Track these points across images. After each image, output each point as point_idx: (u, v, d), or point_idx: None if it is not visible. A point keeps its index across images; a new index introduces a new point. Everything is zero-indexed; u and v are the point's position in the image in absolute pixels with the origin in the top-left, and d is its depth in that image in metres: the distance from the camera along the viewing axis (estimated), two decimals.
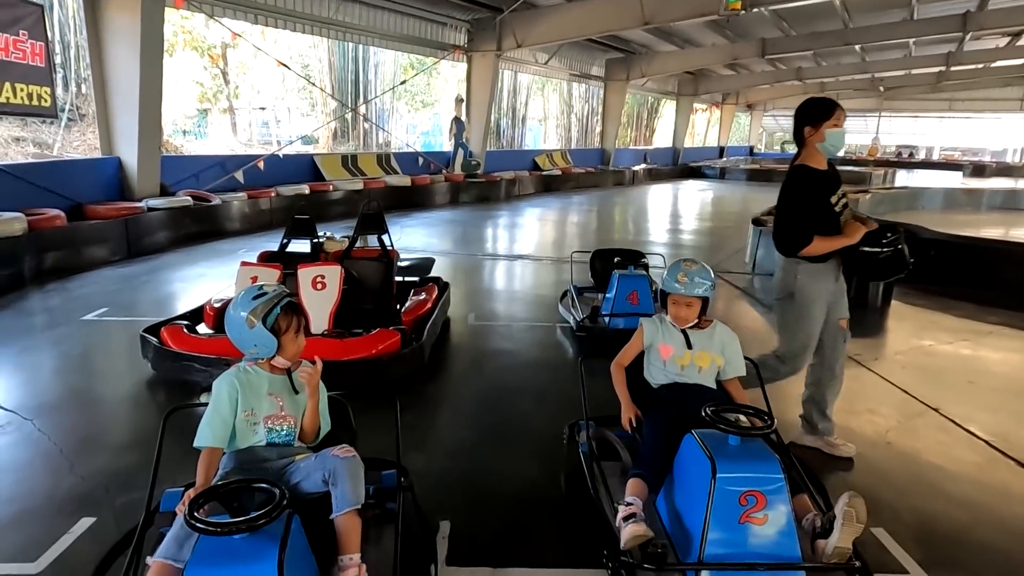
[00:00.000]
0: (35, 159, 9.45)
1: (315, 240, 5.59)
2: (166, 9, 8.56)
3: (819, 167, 3.09)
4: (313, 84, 15.29)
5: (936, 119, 37.78)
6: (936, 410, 3.95)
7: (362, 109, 15.37)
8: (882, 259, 3.05)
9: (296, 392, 2.20)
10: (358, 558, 1.94)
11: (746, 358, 2.78)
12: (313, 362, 2.21)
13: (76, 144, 10.65)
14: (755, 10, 12.95)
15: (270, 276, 4.63)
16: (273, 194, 10.71)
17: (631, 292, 5.04)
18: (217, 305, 4.66)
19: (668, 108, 27.85)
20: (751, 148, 37.03)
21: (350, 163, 13.28)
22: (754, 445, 2.14)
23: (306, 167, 12.39)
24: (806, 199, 3.05)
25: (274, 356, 2.16)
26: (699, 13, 12.38)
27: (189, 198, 9.13)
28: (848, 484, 3.06)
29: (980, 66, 22.32)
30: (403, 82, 16.47)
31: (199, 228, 9.16)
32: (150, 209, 8.46)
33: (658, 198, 18.02)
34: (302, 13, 11.52)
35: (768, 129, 42.87)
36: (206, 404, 2.11)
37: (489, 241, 10.53)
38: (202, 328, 4.57)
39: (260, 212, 10.39)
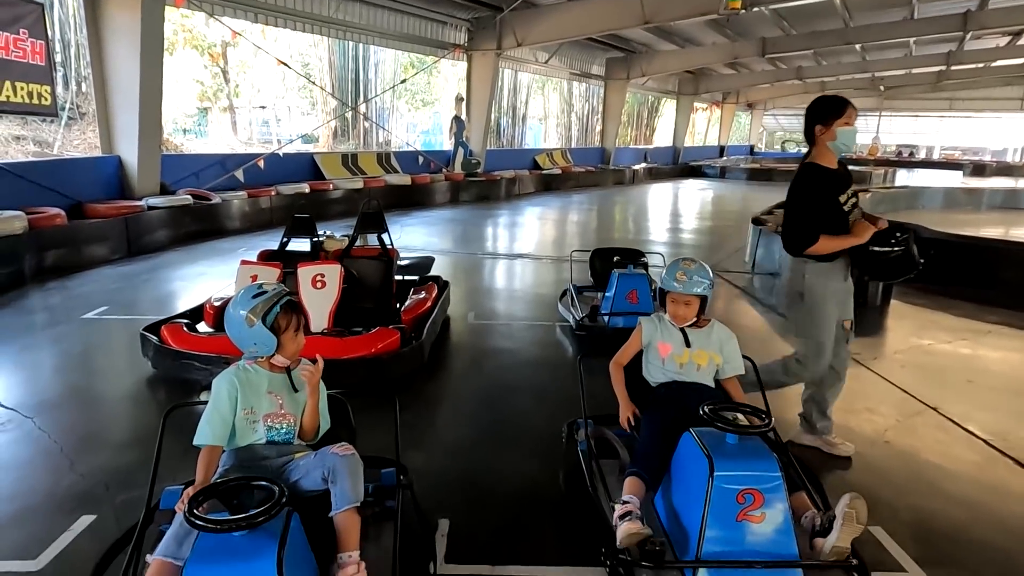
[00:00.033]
0: (35, 158, 9.45)
1: (315, 239, 5.59)
2: (166, 7, 8.56)
3: (829, 165, 3.06)
4: (313, 83, 15.29)
5: (936, 118, 37.81)
6: (935, 409, 3.95)
7: (362, 108, 15.37)
8: (891, 259, 3.01)
9: (296, 390, 2.21)
10: (357, 555, 1.94)
11: (745, 357, 2.79)
12: (314, 361, 2.21)
13: (76, 143, 10.66)
14: (755, 9, 12.96)
15: (270, 275, 4.63)
16: (273, 193, 10.71)
17: (630, 291, 5.04)
18: (217, 304, 4.67)
19: (668, 107, 27.86)
20: (751, 147, 37.04)
21: (350, 162, 13.29)
22: (752, 443, 2.15)
23: (306, 166, 12.39)
24: (814, 197, 3.02)
25: (274, 355, 2.17)
26: (699, 12, 12.38)
27: (189, 197, 9.13)
28: (846, 483, 3.07)
29: (980, 65, 22.32)
30: (403, 81, 16.47)
31: (199, 227, 9.16)
32: (150, 208, 8.46)
33: (658, 197, 18.02)
34: (302, 12, 11.53)
35: (768, 128, 42.90)
36: (206, 402, 2.11)
37: (489, 240, 10.54)
38: (202, 327, 4.57)
39: (260, 211, 10.40)
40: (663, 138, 28.27)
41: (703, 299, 2.70)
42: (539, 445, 3.31)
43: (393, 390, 2.53)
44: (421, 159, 14.93)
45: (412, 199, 13.28)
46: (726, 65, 22.62)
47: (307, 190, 11.32)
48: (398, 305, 5.07)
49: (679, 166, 25.59)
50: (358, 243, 5.51)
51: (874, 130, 33.68)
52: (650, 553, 2.03)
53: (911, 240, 3.02)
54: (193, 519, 1.64)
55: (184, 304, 5.46)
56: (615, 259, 5.47)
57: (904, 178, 23.54)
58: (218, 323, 4.42)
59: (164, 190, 9.09)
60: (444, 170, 14.97)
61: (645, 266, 5.46)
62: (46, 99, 7.64)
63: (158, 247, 8.34)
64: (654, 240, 10.41)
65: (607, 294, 5.21)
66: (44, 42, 7.53)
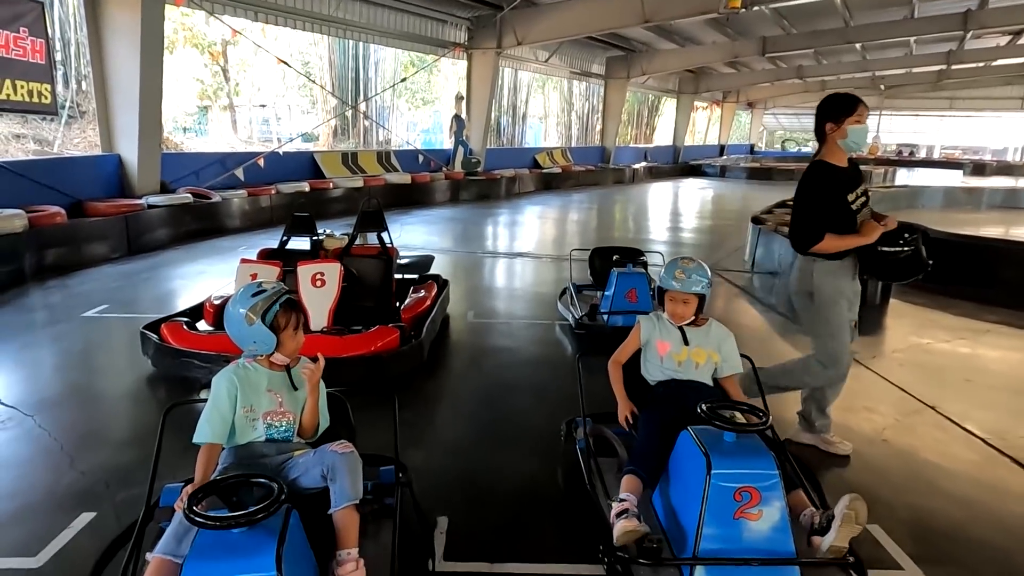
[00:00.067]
0: (36, 156, 9.46)
1: (315, 237, 5.60)
2: (166, 6, 8.56)
3: (839, 164, 3.04)
4: (313, 81, 15.29)
5: (937, 118, 37.79)
6: (933, 408, 3.96)
7: (362, 106, 15.37)
8: (900, 260, 2.98)
9: (295, 388, 2.21)
10: (356, 553, 1.95)
11: (743, 355, 2.79)
12: (315, 359, 2.22)
13: (76, 141, 10.66)
14: (755, 8, 12.96)
15: (270, 273, 4.64)
16: (273, 191, 10.72)
17: (630, 290, 5.05)
18: (217, 302, 4.67)
19: (669, 106, 27.86)
20: (751, 146, 37.02)
21: (350, 161, 13.29)
22: (749, 441, 2.16)
23: (306, 164, 12.40)
24: (821, 195, 3.00)
25: (273, 353, 2.17)
26: (699, 11, 12.38)
27: (189, 195, 9.13)
28: (844, 481, 3.07)
29: (981, 65, 22.32)
30: (403, 79, 16.47)
31: (199, 225, 9.16)
32: (150, 206, 8.47)
33: (658, 196, 18.03)
34: (302, 10, 11.53)
35: (769, 127, 42.86)
36: (205, 400, 2.12)
37: (489, 239, 10.54)
38: (202, 325, 4.58)
39: (260, 209, 10.40)
40: (663, 137, 28.27)
41: (701, 298, 2.71)
42: (538, 443, 3.32)
43: (392, 388, 2.54)
44: (421, 158, 14.94)
45: (412, 198, 13.28)
46: (726, 64, 22.62)
47: (307, 189, 11.33)
48: (398, 304, 5.08)
49: (679, 165, 25.60)
50: (358, 242, 5.51)
51: (874, 129, 33.66)
52: (647, 550, 2.04)
53: (920, 241, 2.98)
54: (192, 516, 1.65)
55: (184, 302, 5.46)
56: (614, 258, 5.47)
57: (904, 177, 23.54)
58: (218, 321, 4.43)
59: (164, 189, 9.09)
60: (444, 169, 14.97)
61: (644, 265, 5.46)
62: (46, 97, 7.65)
63: (158, 245, 8.35)
64: (654, 239, 10.41)
65: (606, 293, 5.22)
66: (44, 40, 7.53)
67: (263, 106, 17.49)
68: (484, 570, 2.38)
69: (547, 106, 22.98)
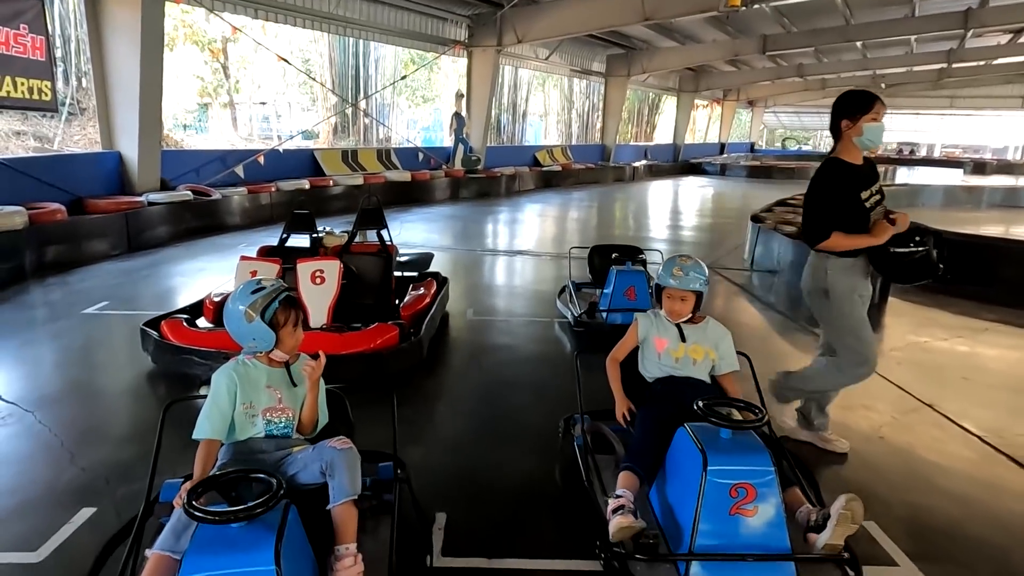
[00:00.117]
0: (36, 153, 9.47)
1: (314, 235, 5.61)
2: (166, 3, 8.56)
3: (854, 161, 3.01)
4: (313, 79, 15.29)
5: (937, 116, 37.77)
6: (931, 406, 3.97)
7: (362, 104, 15.37)
8: (910, 262, 2.95)
9: (294, 385, 2.23)
10: (354, 548, 1.97)
11: (740, 353, 2.80)
12: (316, 356, 2.23)
13: (76, 138, 10.67)
14: (756, 6, 12.96)
15: (269, 270, 4.65)
16: (273, 189, 10.72)
17: (628, 288, 5.06)
18: (217, 299, 4.68)
19: (669, 104, 27.84)
20: (752, 144, 37.01)
21: (350, 158, 13.29)
22: (746, 438, 2.17)
23: (306, 162, 12.40)
24: (831, 192, 2.98)
25: (272, 350, 2.18)
26: (699, 9, 12.37)
27: (189, 193, 9.14)
28: (841, 479, 3.09)
29: (981, 63, 22.28)
30: (403, 77, 16.46)
31: (199, 223, 9.17)
32: (150, 203, 8.47)
33: (658, 194, 18.03)
34: (303, 8, 11.53)
35: (769, 126, 42.83)
36: (205, 396, 2.13)
37: (488, 237, 10.54)
38: (202, 322, 4.59)
39: (260, 207, 10.41)
40: (663, 135, 28.25)
41: (699, 295, 2.72)
42: (537, 440, 3.33)
43: (391, 385, 2.55)
44: (421, 155, 14.94)
45: (412, 195, 13.28)
46: (727, 62, 22.61)
47: (307, 186, 11.33)
48: (397, 301, 5.09)
49: (679, 163, 25.59)
50: (357, 239, 5.53)
51: None
52: (644, 546, 2.05)
53: (931, 243, 2.95)
54: (192, 510, 1.66)
55: (184, 300, 5.48)
56: (613, 256, 5.48)
57: (904, 176, 23.54)
58: (217, 318, 4.44)
59: (164, 186, 9.10)
60: (444, 167, 14.97)
61: (643, 263, 5.47)
62: (46, 95, 7.65)
63: (158, 243, 8.36)
64: (654, 237, 10.42)
65: (605, 291, 5.23)
66: (44, 38, 7.53)
67: (263, 103, 17.50)
68: (482, 566, 2.39)
69: (547, 104, 22.98)
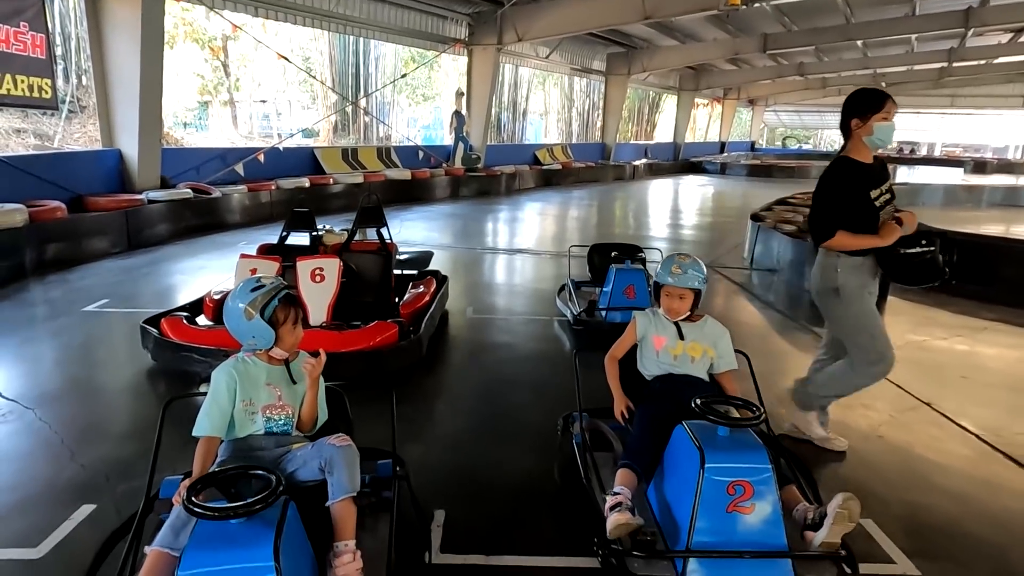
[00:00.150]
0: (36, 151, 9.48)
1: (314, 233, 5.62)
2: (166, 1, 8.56)
3: (863, 160, 2.99)
4: (314, 77, 15.29)
5: (938, 115, 37.73)
6: (929, 405, 3.98)
7: (363, 102, 15.37)
8: (917, 264, 2.92)
9: (294, 382, 2.23)
10: (353, 544, 1.97)
11: (738, 351, 2.81)
12: (316, 354, 2.24)
13: (77, 136, 10.68)
14: (756, 5, 12.97)
15: (269, 268, 4.66)
16: (273, 187, 10.73)
17: (628, 286, 5.07)
18: (216, 297, 4.69)
19: (669, 103, 27.83)
20: (752, 143, 37.00)
21: (350, 156, 13.30)
22: (743, 436, 2.17)
23: (306, 160, 12.41)
24: (839, 191, 2.96)
25: (272, 347, 2.19)
26: (699, 8, 12.39)
27: (189, 190, 9.15)
28: (839, 477, 3.09)
29: (982, 62, 22.28)
30: (404, 75, 16.46)
31: (199, 220, 9.18)
32: (150, 201, 8.48)
33: (658, 193, 18.03)
34: (303, 6, 11.52)
35: (770, 124, 42.80)
36: (205, 394, 2.14)
37: (488, 235, 10.55)
38: (201, 319, 4.59)
39: (260, 205, 10.42)
40: (664, 134, 28.24)
41: (697, 293, 2.72)
42: (536, 439, 3.33)
43: (391, 383, 2.54)
44: (421, 154, 14.94)
45: (412, 194, 13.28)
46: (727, 61, 22.62)
47: (307, 184, 11.34)
48: (397, 299, 5.10)
49: (680, 162, 25.59)
50: (357, 237, 5.53)
51: None
52: (641, 543, 2.06)
53: (937, 247, 2.92)
54: (191, 506, 1.66)
55: (184, 297, 5.49)
56: (613, 254, 5.48)
57: (905, 175, 23.54)
58: (217, 316, 4.44)
59: (164, 184, 9.10)
60: (444, 165, 14.97)
61: (643, 261, 5.48)
62: (46, 92, 7.65)
63: (158, 241, 8.36)
64: (654, 236, 10.42)
65: (605, 289, 5.24)
66: (44, 35, 7.53)
67: (263, 102, 17.49)
68: (480, 563, 2.40)
69: (547, 102, 22.97)
